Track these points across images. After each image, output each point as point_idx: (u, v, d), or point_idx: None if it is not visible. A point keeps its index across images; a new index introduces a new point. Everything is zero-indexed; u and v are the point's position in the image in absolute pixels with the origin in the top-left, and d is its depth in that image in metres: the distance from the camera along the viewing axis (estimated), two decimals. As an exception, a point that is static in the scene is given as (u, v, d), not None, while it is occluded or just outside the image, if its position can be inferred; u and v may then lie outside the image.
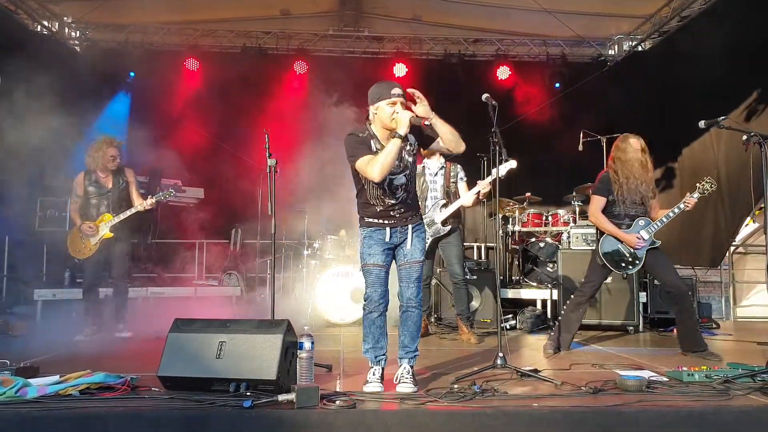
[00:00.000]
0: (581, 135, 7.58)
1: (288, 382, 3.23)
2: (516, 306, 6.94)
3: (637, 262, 4.64)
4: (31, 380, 3.17)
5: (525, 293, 7.08)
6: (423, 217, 4.00)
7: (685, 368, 3.66)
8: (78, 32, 9.28)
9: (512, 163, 5.19)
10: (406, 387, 3.32)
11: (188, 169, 8.30)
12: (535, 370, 3.73)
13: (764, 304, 7.91)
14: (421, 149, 3.70)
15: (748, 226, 7.96)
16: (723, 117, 4.08)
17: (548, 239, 7.47)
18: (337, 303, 6.67)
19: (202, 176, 8.80)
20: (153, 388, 3.24)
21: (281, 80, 9.39)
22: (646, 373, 3.83)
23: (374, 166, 3.26)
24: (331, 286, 6.72)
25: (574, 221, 7.33)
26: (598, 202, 4.73)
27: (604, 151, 7.45)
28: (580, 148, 7.57)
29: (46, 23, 8.73)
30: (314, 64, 9.44)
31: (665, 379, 3.63)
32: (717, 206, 7.23)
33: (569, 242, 6.71)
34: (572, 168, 8.28)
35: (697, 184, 4.63)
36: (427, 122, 3.37)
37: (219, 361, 3.20)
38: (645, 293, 6.54)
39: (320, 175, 7.91)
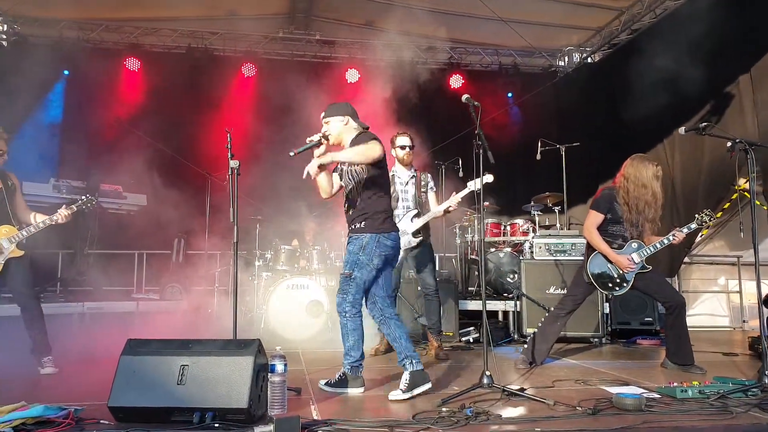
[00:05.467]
0: (539, 144, 7.52)
1: (259, 409, 2.87)
2: (476, 318, 6.74)
3: (625, 284, 4.49)
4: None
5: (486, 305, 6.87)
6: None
7: (676, 384, 3.53)
8: (5, 26, 8.52)
9: (489, 177, 4.72)
10: None
11: (130, 175, 7.70)
12: (522, 389, 3.52)
13: (709, 313, 8.09)
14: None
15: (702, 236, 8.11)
16: (704, 123, 3.98)
17: (508, 249, 7.34)
18: (292, 318, 6.29)
19: (146, 182, 8.17)
20: (102, 421, 2.81)
21: (229, 83, 8.97)
22: (634, 389, 3.72)
23: None
24: (285, 300, 6.34)
25: (534, 231, 7.23)
26: (595, 217, 4.53)
27: (563, 159, 7.42)
28: (538, 157, 7.51)
29: (-33, 15, 7.99)
30: (263, 67, 9.09)
31: (657, 395, 3.49)
32: (673, 216, 7.29)
33: (532, 252, 6.58)
34: (530, 177, 8.22)
35: (696, 215, 4.49)
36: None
37: (181, 387, 2.79)
38: (608, 304, 6.48)
39: (271, 182, 7.53)
